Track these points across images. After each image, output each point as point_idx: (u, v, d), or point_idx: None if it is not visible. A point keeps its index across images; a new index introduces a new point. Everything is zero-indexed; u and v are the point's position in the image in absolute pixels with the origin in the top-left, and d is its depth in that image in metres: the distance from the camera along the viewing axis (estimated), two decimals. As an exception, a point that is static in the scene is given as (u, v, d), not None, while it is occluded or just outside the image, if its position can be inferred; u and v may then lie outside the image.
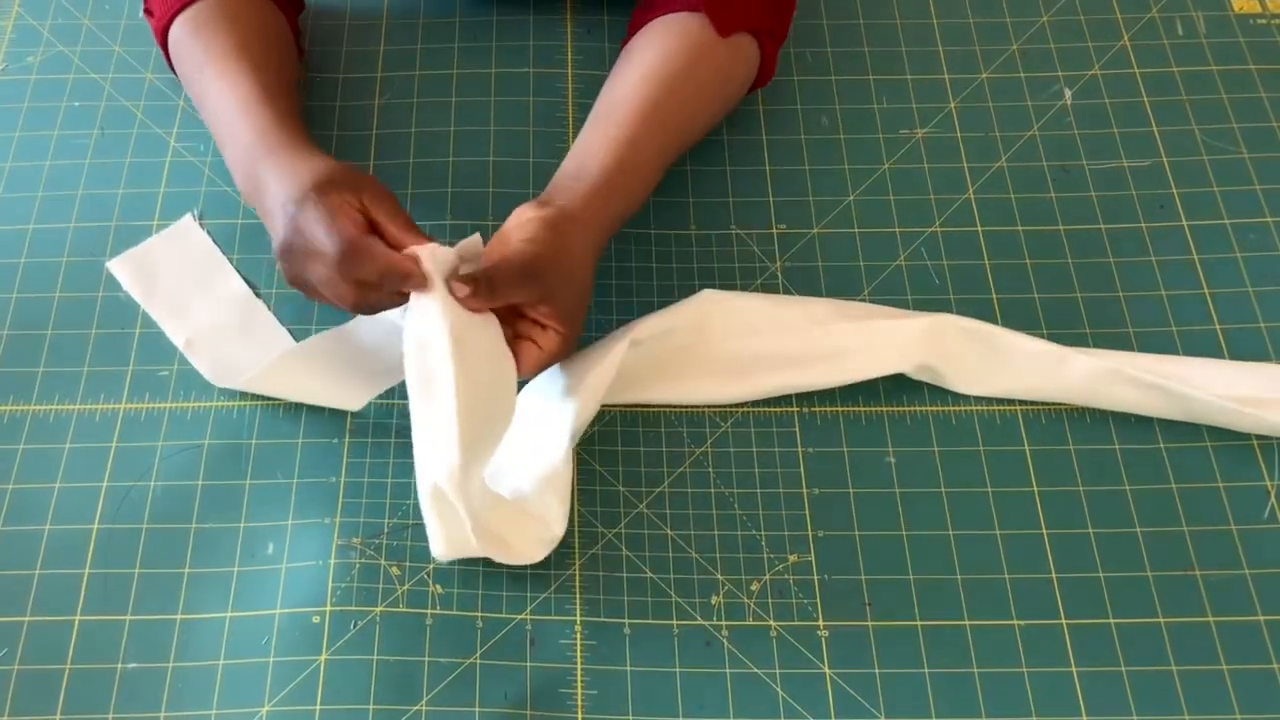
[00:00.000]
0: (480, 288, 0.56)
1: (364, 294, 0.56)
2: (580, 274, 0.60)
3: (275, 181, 0.59)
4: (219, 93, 0.65)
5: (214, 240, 0.71)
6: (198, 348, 0.67)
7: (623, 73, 0.68)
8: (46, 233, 0.72)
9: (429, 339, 0.56)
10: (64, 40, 0.81)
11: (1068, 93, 0.77)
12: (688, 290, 0.67)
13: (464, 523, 0.55)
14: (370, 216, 0.57)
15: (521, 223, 0.59)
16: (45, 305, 0.69)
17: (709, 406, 0.66)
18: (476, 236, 0.59)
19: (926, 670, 0.58)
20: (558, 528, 0.59)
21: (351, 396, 0.65)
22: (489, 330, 0.58)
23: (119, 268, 0.70)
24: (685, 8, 0.69)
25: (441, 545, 0.57)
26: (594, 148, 0.64)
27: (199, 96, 0.68)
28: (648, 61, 0.67)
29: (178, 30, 0.69)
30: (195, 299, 0.69)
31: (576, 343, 0.61)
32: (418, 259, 0.56)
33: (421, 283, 0.56)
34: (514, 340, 0.59)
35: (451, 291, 0.56)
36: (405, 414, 0.65)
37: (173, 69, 0.72)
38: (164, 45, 0.71)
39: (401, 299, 0.57)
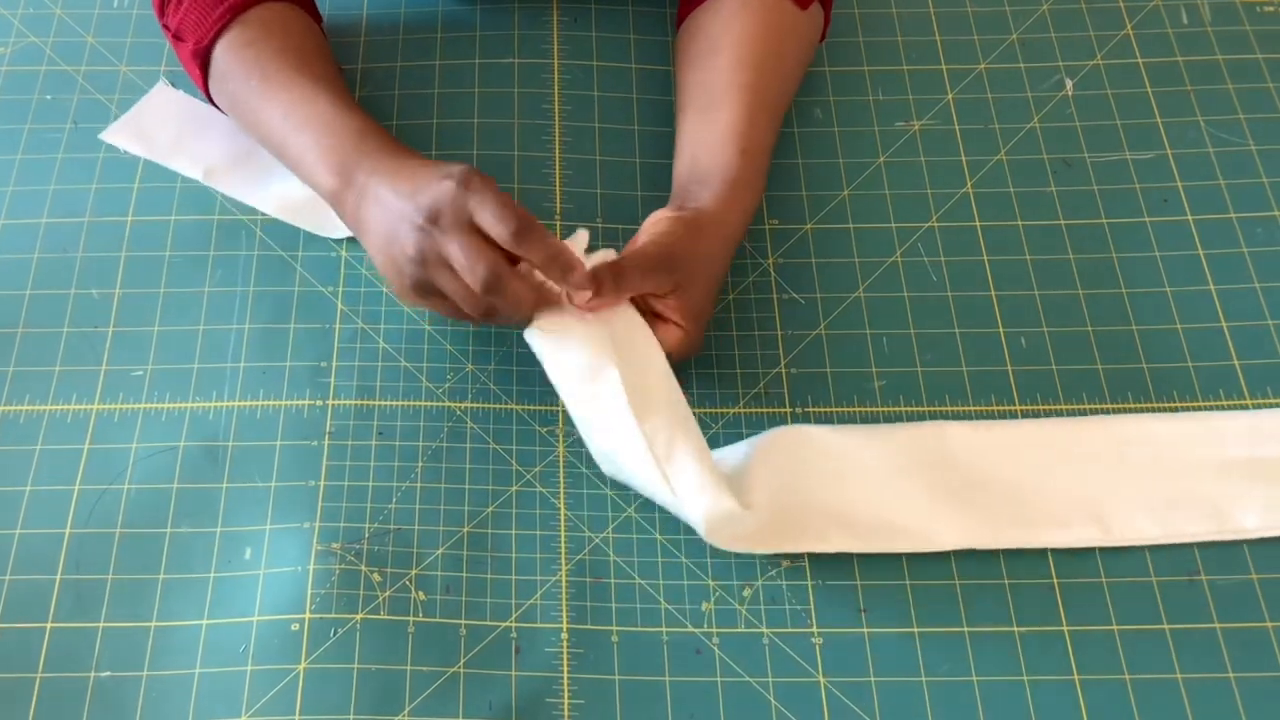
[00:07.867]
0: (605, 281, 0.57)
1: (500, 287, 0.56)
2: (713, 273, 0.61)
3: (391, 176, 0.59)
4: (291, 102, 0.64)
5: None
6: (218, 175, 0.71)
7: (706, 59, 0.68)
8: (17, 228, 0.71)
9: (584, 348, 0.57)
10: (35, 31, 0.79)
11: (1069, 83, 0.76)
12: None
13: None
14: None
15: (657, 221, 0.61)
16: (15, 303, 0.68)
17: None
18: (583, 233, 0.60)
19: (924, 679, 0.56)
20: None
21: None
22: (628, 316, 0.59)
23: (115, 135, 0.73)
24: None
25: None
26: (709, 146, 0.65)
27: (255, 110, 0.66)
28: (736, 45, 0.67)
29: (223, 50, 0.67)
30: (199, 141, 0.73)
31: (699, 345, 0.61)
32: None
33: (582, 276, 0.56)
34: None
35: (572, 300, 0.57)
36: (386, 415, 0.64)
37: (205, 88, 0.70)
38: (200, 68, 0.68)
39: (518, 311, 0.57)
